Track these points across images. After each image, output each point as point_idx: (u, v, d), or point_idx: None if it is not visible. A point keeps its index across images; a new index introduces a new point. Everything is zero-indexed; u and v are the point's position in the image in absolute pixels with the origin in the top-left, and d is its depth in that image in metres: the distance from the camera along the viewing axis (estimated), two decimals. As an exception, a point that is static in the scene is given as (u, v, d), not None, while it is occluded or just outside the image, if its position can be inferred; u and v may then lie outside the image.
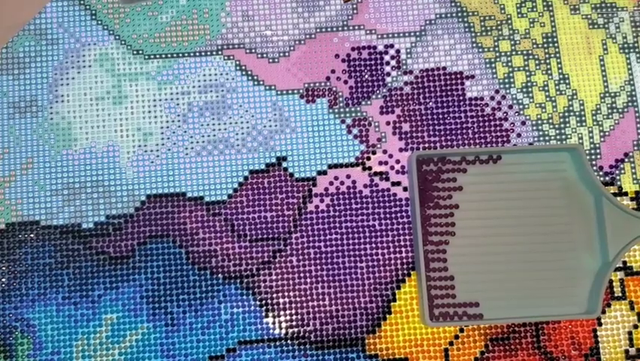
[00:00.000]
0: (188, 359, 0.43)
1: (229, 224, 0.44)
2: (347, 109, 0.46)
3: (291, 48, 0.46)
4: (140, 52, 0.46)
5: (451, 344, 0.44)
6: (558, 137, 0.46)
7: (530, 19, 0.47)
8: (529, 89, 0.46)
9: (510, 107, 0.46)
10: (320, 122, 0.45)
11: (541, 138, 0.46)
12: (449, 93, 0.46)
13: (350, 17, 0.46)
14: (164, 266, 0.43)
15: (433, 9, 0.47)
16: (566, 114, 0.46)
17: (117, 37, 0.46)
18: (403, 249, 0.44)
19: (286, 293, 0.44)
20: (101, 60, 0.45)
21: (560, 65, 0.46)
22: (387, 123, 0.46)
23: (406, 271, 0.44)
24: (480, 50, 0.46)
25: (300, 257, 0.44)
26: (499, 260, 0.43)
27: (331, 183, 0.45)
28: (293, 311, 0.43)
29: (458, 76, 0.46)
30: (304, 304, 0.43)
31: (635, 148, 0.46)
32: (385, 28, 0.46)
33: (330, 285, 0.44)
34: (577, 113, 0.46)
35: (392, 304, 0.44)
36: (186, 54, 0.46)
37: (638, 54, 0.47)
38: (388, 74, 0.46)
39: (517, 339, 0.44)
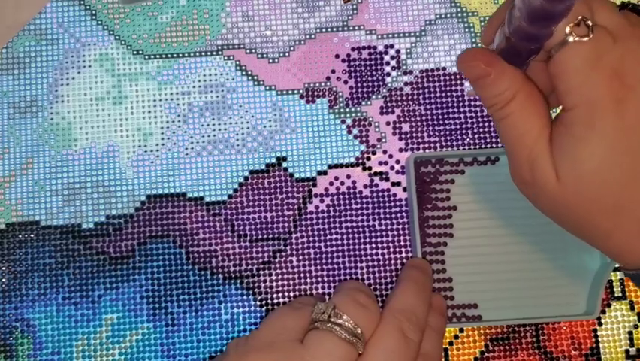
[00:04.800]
0: (188, 359, 0.43)
1: (229, 224, 0.44)
2: (347, 109, 0.46)
3: (291, 48, 0.46)
4: (140, 52, 0.46)
5: (450, 344, 0.44)
6: (558, 137, 0.46)
7: (530, 19, 0.47)
8: (530, 90, 0.46)
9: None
10: (320, 122, 0.45)
11: (542, 139, 0.46)
12: (449, 94, 0.46)
13: (350, 17, 0.46)
14: (164, 266, 0.43)
15: (433, 9, 0.47)
16: (566, 114, 0.46)
17: (117, 37, 0.46)
18: (403, 249, 0.44)
19: (286, 293, 0.44)
20: (101, 60, 0.45)
21: (560, 66, 0.46)
22: (387, 123, 0.46)
23: (405, 272, 0.44)
24: (480, 50, 0.46)
25: (301, 257, 0.44)
26: (498, 261, 0.44)
27: (331, 184, 0.45)
28: (293, 311, 0.43)
29: (458, 76, 0.46)
30: (304, 305, 0.43)
31: (636, 148, 0.46)
32: (385, 29, 0.46)
33: (330, 285, 0.44)
34: (577, 114, 0.46)
35: (392, 304, 0.44)
36: (186, 54, 0.46)
37: (638, 54, 0.47)
38: (388, 75, 0.46)
39: (517, 339, 0.44)
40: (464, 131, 0.45)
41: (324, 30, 0.46)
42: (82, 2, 0.46)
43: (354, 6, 0.47)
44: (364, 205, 0.45)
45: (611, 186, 0.31)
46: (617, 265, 0.44)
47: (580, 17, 0.31)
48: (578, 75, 0.31)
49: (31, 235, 0.43)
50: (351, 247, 0.44)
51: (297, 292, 0.44)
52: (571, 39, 0.30)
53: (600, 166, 0.31)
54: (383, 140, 0.45)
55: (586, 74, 0.31)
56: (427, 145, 0.45)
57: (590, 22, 0.31)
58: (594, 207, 0.32)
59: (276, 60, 0.46)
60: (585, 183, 0.32)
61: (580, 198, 0.32)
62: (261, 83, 0.46)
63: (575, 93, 0.31)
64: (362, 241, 0.44)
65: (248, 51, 0.46)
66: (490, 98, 0.33)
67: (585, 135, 0.31)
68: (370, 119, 0.45)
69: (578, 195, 0.32)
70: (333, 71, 0.46)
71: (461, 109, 0.46)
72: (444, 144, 0.45)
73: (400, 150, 0.45)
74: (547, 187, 0.33)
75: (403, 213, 0.44)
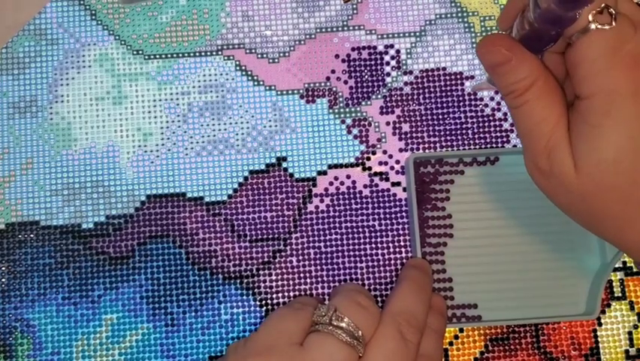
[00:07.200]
0: (188, 359, 0.43)
1: (229, 224, 0.44)
2: (347, 109, 0.46)
3: (291, 48, 0.46)
4: (140, 52, 0.46)
5: (450, 344, 0.44)
6: (558, 137, 0.46)
7: (530, 19, 0.47)
8: (530, 90, 0.46)
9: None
10: (320, 122, 0.45)
11: (542, 139, 0.46)
12: (449, 94, 0.46)
13: (350, 17, 0.46)
14: (164, 266, 0.43)
15: (433, 9, 0.47)
16: (566, 114, 0.46)
17: (117, 37, 0.46)
18: (403, 249, 0.44)
19: (286, 293, 0.44)
20: (101, 60, 0.45)
21: (560, 66, 0.46)
22: (387, 123, 0.46)
23: (405, 272, 0.44)
24: (480, 50, 0.46)
25: (300, 257, 0.44)
26: (498, 261, 0.43)
27: (331, 184, 0.45)
28: (293, 312, 0.43)
29: (458, 76, 0.46)
30: (304, 305, 0.43)
31: (636, 148, 0.46)
32: (385, 29, 0.46)
33: (330, 285, 0.44)
34: (577, 114, 0.46)
35: (392, 304, 0.44)
36: (186, 54, 0.46)
37: (638, 54, 0.47)
38: (388, 75, 0.46)
39: (516, 339, 0.44)
40: (464, 131, 0.45)
41: (324, 30, 0.46)
42: (82, 2, 0.46)
43: (354, 6, 0.47)
44: (364, 205, 0.45)
45: (630, 174, 0.31)
46: (616, 266, 0.44)
47: (603, 5, 0.30)
48: (597, 63, 0.30)
49: (31, 235, 0.43)
50: (351, 247, 0.44)
51: (297, 292, 0.44)
52: (593, 26, 0.30)
53: (618, 154, 0.31)
54: (383, 140, 0.45)
55: (606, 61, 0.30)
56: (427, 145, 0.45)
57: (612, 10, 0.30)
58: (611, 196, 0.32)
59: (276, 60, 0.46)
60: (602, 172, 0.31)
61: (597, 188, 0.32)
62: (261, 83, 0.46)
63: (593, 81, 0.31)
64: (362, 241, 0.44)
65: (248, 51, 0.46)
66: (509, 86, 0.33)
67: (602, 123, 0.31)
68: (370, 119, 0.45)
69: (595, 184, 0.31)
70: (333, 71, 0.46)
71: (461, 109, 0.46)
72: (444, 144, 0.45)
73: (400, 150, 0.45)
74: (564, 177, 0.32)
75: (403, 213, 0.44)
